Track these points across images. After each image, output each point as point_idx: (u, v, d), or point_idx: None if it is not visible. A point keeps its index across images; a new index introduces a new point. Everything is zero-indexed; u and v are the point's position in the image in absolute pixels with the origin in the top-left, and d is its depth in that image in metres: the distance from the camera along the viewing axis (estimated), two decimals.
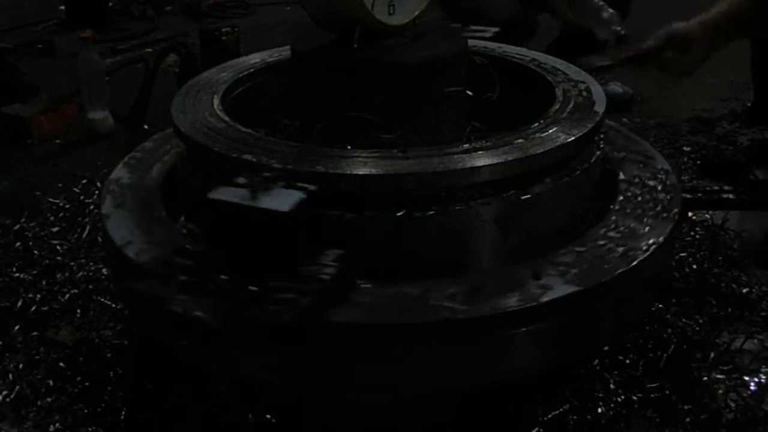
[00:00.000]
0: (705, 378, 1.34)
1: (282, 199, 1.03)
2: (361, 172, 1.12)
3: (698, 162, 2.12)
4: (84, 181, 2.08)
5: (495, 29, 1.76)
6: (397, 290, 1.09)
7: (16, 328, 1.50)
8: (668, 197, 1.30)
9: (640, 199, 1.30)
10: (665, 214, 1.25)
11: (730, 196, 1.55)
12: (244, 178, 1.07)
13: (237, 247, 1.04)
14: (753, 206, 1.58)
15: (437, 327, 1.05)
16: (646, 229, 1.22)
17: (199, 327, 0.99)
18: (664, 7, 2.85)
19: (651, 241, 1.19)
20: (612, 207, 1.28)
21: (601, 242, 1.19)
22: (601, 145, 1.35)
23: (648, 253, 1.17)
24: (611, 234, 1.21)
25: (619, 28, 2.27)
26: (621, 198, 1.30)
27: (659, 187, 1.33)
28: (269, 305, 0.98)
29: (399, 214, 1.11)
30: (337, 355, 1.08)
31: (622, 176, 1.36)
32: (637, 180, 1.35)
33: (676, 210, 1.27)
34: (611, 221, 1.24)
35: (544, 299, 1.07)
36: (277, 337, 1.01)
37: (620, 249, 1.17)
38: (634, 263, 1.15)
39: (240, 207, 1.02)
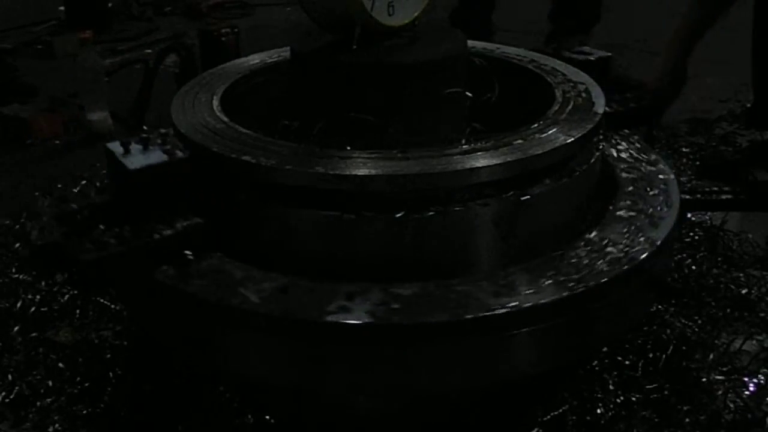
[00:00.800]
0: (704, 379, 1.35)
1: (143, 159, 1.15)
2: (360, 173, 1.12)
3: (697, 163, 2.13)
4: (83, 181, 2.08)
5: (602, 53, 1.70)
6: (225, 272, 1.12)
7: (16, 328, 1.50)
8: (607, 268, 1.12)
9: (573, 261, 1.14)
10: (571, 284, 1.08)
11: (729, 197, 1.55)
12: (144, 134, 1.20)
13: (114, 190, 1.20)
14: (752, 207, 1.58)
15: (226, 312, 1.07)
16: (527, 292, 1.07)
17: (29, 242, 1.12)
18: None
19: (512, 301, 1.05)
20: (534, 260, 1.15)
21: (461, 287, 1.07)
22: (601, 146, 1.35)
23: (488, 312, 1.03)
24: (483, 283, 1.09)
25: None
26: (560, 252, 1.15)
27: (620, 257, 1.14)
28: (88, 242, 1.08)
29: (399, 215, 1.11)
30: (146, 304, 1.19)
31: (592, 234, 1.20)
32: (602, 242, 1.18)
33: (591, 284, 1.09)
34: (508, 272, 1.11)
35: (326, 319, 1.03)
36: (71, 268, 1.10)
37: (469, 299, 1.05)
38: (460, 318, 1.03)
39: (112, 157, 1.17)
